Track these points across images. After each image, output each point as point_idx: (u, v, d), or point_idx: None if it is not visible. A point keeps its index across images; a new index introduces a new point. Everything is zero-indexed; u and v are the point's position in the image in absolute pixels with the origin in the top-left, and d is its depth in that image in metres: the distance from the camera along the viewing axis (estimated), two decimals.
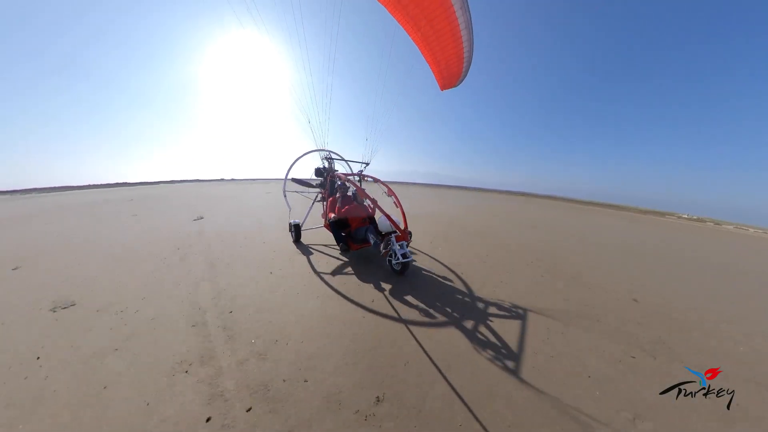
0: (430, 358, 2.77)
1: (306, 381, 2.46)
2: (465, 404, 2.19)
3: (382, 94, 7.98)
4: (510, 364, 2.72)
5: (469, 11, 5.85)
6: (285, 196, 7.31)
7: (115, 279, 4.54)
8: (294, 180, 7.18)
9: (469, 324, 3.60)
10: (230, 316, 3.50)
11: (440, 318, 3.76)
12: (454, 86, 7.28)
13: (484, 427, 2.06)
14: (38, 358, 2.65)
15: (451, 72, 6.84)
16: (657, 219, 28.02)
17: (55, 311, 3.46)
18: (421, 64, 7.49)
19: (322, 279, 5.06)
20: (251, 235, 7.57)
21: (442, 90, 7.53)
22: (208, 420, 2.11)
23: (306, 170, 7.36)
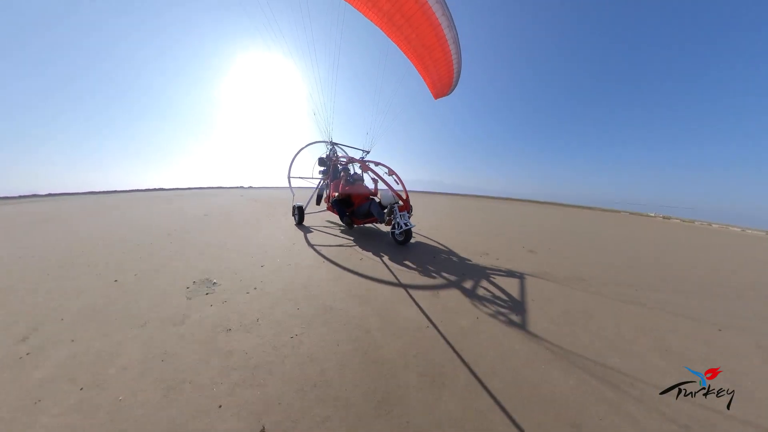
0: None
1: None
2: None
3: (378, 98, 8.29)
4: None
5: (455, 29, 6.11)
6: (289, 182, 7.89)
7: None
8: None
9: None
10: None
11: None
12: (446, 95, 7.47)
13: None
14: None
15: (443, 82, 7.01)
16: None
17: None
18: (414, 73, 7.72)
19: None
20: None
21: (435, 99, 7.73)
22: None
23: (307, 165, 7.87)
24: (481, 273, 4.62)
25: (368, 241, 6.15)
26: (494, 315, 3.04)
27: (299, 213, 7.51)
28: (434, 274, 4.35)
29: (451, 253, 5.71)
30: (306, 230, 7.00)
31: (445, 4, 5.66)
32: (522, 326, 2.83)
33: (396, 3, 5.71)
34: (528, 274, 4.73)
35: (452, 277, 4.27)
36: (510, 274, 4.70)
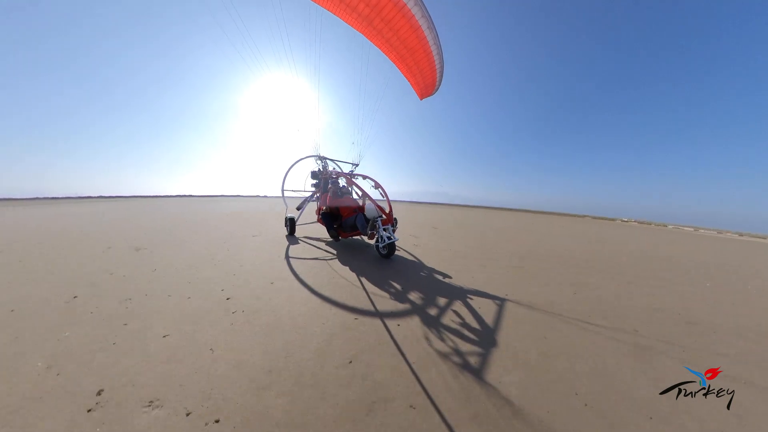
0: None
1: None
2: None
3: (363, 105, 8.27)
4: None
5: (435, 30, 6.08)
6: (283, 194, 8.06)
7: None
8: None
9: None
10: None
11: None
12: (431, 95, 7.46)
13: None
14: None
15: (426, 82, 6.99)
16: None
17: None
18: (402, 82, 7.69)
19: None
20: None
21: (420, 99, 7.71)
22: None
23: (298, 178, 8.04)
24: (459, 296, 4.00)
25: (351, 255, 6.10)
26: (447, 354, 2.44)
27: (291, 224, 7.75)
28: (403, 296, 3.82)
29: (433, 270, 5.28)
30: (293, 241, 7.08)
31: (424, 5, 5.61)
32: (476, 372, 2.22)
33: (375, 7, 5.61)
34: (512, 300, 4.00)
35: (420, 301, 3.68)
36: (492, 298, 4.04)
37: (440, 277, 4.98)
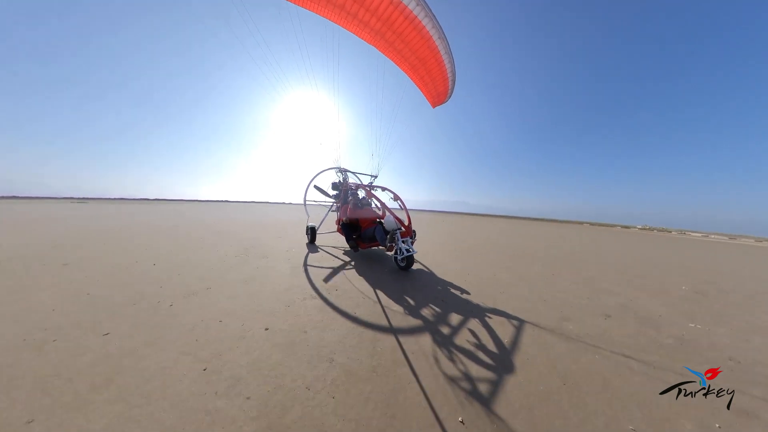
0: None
1: None
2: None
3: (380, 117, 8.53)
4: None
5: (446, 39, 6.27)
6: (305, 205, 8.44)
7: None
8: (315, 187, 8.21)
9: None
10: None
11: None
12: (444, 102, 7.59)
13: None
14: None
15: (438, 90, 7.15)
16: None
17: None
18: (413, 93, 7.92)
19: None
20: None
21: (433, 107, 7.86)
22: None
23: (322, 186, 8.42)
24: (477, 314, 3.65)
25: (368, 266, 6.16)
26: (455, 379, 2.20)
27: (311, 233, 8.12)
28: (416, 312, 3.57)
29: (454, 287, 4.88)
30: (313, 250, 7.42)
31: (434, 16, 5.83)
32: (485, 402, 1.97)
33: (386, 21, 5.90)
34: (532, 323, 3.50)
35: (433, 318, 3.43)
36: (514, 320, 3.58)
37: (458, 293, 4.60)
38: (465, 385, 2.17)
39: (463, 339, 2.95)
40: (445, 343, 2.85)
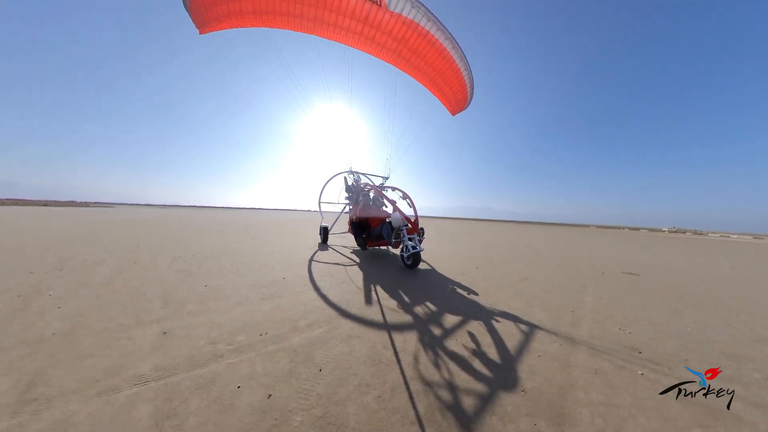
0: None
1: None
2: None
3: (392, 125, 8.86)
4: None
5: (460, 49, 6.42)
6: (319, 207, 9.20)
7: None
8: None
9: None
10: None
11: None
12: (464, 109, 7.62)
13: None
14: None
15: (457, 98, 7.23)
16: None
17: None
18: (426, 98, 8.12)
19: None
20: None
21: (453, 115, 7.92)
22: None
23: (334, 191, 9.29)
24: (484, 317, 3.36)
25: (373, 264, 6.28)
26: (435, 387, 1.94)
27: (324, 233, 8.82)
28: (415, 313, 3.39)
29: (461, 287, 4.63)
30: (323, 248, 8.15)
31: (446, 29, 6.05)
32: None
33: (402, 40, 6.28)
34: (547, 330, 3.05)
35: (434, 323, 3.13)
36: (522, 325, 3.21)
37: (465, 293, 4.43)
38: None
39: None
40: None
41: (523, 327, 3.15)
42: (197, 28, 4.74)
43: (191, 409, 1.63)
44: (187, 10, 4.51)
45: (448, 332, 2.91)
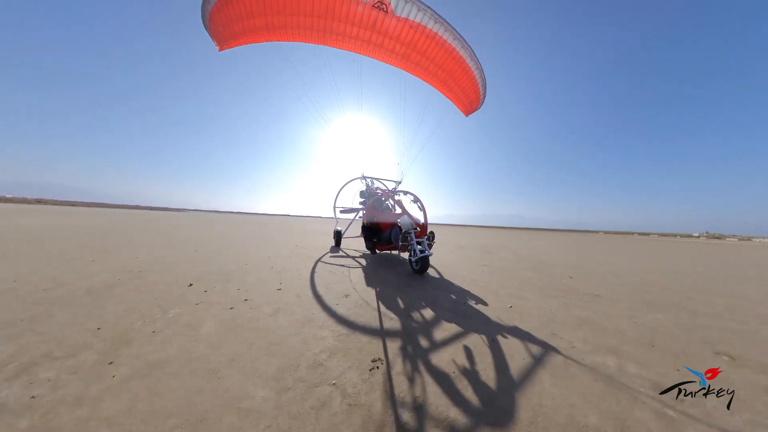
0: None
1: None
2: None
3: (402, 130, 8.94)
4: None
5: (470, 47, 6.35)
6: (334, 212, 9.59)
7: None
8: (342, 211, 9.43)
9: None
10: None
11: None
12: (477, 109, 7.48)
13: None
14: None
15: (470, 99, 7.13)
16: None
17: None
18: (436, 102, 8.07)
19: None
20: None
21: (466, 116, 7.80)
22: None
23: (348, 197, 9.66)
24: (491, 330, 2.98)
25: (381, 268, 6.26)
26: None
27: (337, 236, 9.19)
28: (415, 329, 3.01)
29: (475, 299, 4.17)
30: (334, 251, 8.44)
31: (454, 30, 6.04)
32: None
33: (410, 44, 6.36)
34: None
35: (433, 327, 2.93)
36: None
37: (472, 303, 4.08)
38: None
39: None
40: None
41: None
42: (216, 45, 5.19)
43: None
44: (207, 30, 4.97)
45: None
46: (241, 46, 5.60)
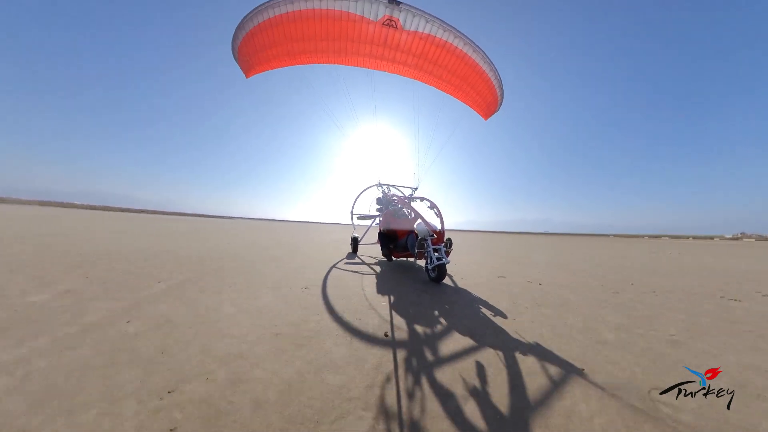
0: None
1: None
2: None
3: (417, 137, 8.90)
4: None
5: (481, 50, 6.31)
6: (352, 219, 9.90)
7: None
8: (359, 217, 9.79)
9: None
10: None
11: None
12: (495, 112, 7.30)
13: None
14: None
15: (487, 102, 7.02)
16: None
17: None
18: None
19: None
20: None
21: (485, 119, 7.62)
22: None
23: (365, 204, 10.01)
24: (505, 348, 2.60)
25: (395, 275, 6.20)
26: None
27: (354, 243, 9.37)
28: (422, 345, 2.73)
29: (495, 312, 3.75)
30: (351, 257, 8.67)
31: (463, 35, 6.06)
32: None
33: (421, 55, 6.50)
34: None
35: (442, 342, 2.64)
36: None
37: (490, 314, 3.68)
38: None
39: None
40: None
41: None
42: (244, 72, 5.83)
43: None
44: (236, 60, 5.64)
45: None
46: (265, 72, 6.22)
